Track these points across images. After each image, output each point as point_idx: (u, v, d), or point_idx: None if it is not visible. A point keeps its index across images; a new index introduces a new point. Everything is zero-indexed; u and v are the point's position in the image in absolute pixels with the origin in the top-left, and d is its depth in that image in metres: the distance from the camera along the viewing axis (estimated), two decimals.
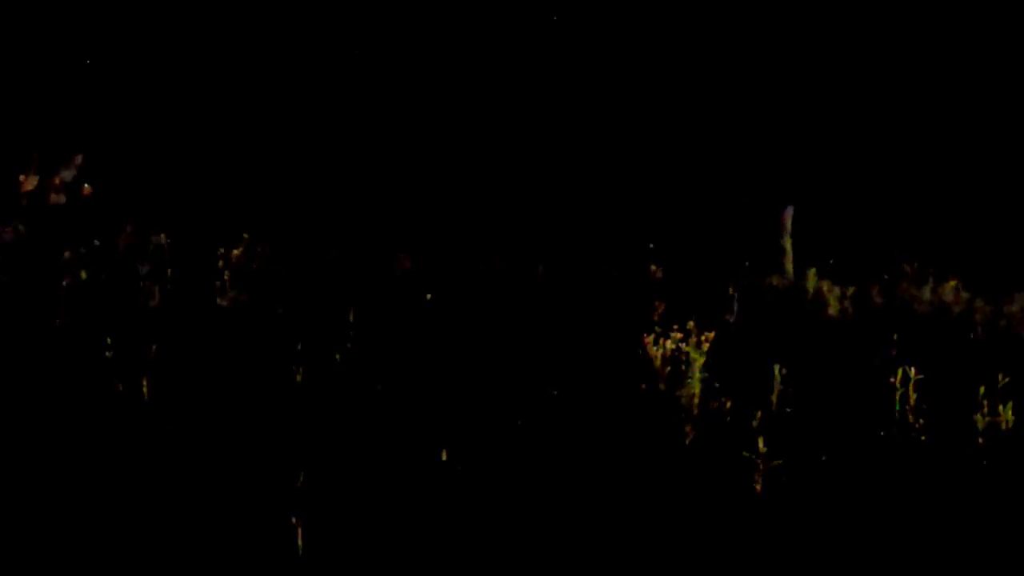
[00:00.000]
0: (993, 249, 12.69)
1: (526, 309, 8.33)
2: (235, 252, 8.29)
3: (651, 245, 11.87)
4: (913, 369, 5.30)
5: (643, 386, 5.70)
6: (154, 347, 5.45)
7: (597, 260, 11.69)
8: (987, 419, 4.83)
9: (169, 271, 8.51)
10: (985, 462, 4.54)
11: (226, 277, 7.99)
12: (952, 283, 10.03)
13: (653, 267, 10.94)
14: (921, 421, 5.08)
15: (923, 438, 4.90)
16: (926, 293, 9.56)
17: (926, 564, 3.45)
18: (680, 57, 13.89)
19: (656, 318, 6.81)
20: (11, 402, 4.93)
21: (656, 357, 5.86)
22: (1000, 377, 5.29)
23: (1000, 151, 13.01)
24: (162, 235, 9.44)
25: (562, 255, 11.90)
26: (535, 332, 7.37)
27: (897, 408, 5.27)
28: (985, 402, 4.86)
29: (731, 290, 8.94)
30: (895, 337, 7.20)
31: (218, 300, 7.78)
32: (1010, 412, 4.95)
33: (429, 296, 9.20)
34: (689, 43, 13.87)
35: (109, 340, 5.40)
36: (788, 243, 12.05)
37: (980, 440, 4.74)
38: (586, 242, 12.86)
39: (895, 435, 5.00)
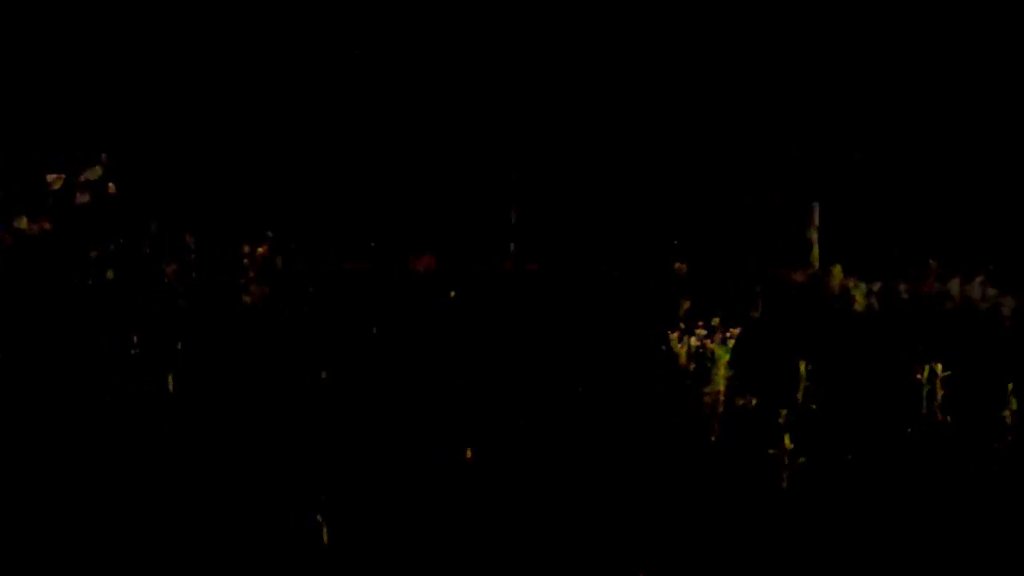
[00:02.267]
0: (1021, 245, 12.59)
1: (551, 306, 8.31)
2: (260, 250, 8.31)
3: (676, 242, 11.83)
4: (940, 365, 5.26)
5: (668, 383, 5.68)
6: (179, 344, 5.48)
7: (622, 258, 11.66)
8: (1016, 415, 4.79)
9: (194, 269, 8.55)
10: (1014, 458, 4.50)
11: (251, 275, 8.01)
12: (979, 279, 9.95)
13: (678, 264, 10.90)
14: (948, 417, 5.04)
15: (950, 434, 4.86)
16: (953, 289, 9.49)
17: (953, 559, 3.42)
18: (709, 56, 13.84)
19: (681, 315, 6.79)
20: (41, 398, 4.96)
21: (681, 354, 5.84)
22: None
23: None
24: (187, 233, 9.48)
25: (587, 253, 11.88)
26: (560, 329, 7.35)
27: (924, 404, 5.23)
28: (1013, 398, 4.82)
29: (756, 286, 8.90)
30: (921, 333, 7.15)
31: (243, 297, 7.81)
32: None
33: (453, 294, 9.20)
34: (720, 41, 13.82)
35: (135, 338, 5.42)
36: (814, 239, 11.99)
37: (1008, 436, 4.70)
38: (611, 240, 12.83)
39: (922, 431, 4.96)
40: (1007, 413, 4.75)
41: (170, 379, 5.07)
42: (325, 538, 3.31)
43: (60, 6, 14.10)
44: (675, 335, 5.95)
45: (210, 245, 9.48)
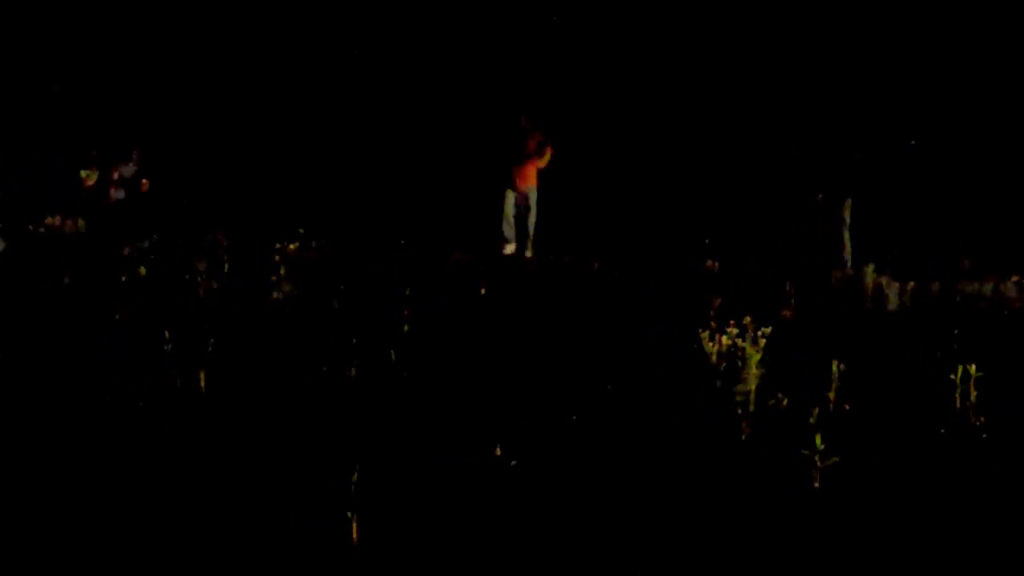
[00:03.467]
0: None
1: (580, 304, 8.30)
2: (291, 247, 8.35)
3: (707, 240, 11.79)
4: (973, 366, 5.22)
5: (699, 382, 5.66)
6: (211, 341, 5.51)
7: (654, 256, 11.64)
8: None
9: (226, 265, 8.59)
10: None
11: (282, 272, 8.05)
12: (1015, 279, 9.86)
13: (709, 262, 10.87)
14: (981, 419, 5.00)
15: (984, 436, 4.82)
16: (987, 289, 9.40)
17: (984, 562, 3.39)
18: (740, 52, 13.79)
19: (712, 313, 6.76)
20: (74, 392, 5.00)
21: (712, 353, 5.82)
22: None
23: None
24: (219, 230, 9.54)
25: (617, 250, 11.86)
26: (590, 326, 7.34)
27: (957, 405, 5.19)
28: None
29: (788, 285, 8.85)
30: (955, 333, 7.09)
31: (274, 294, 7.85)
32: None
33: (483, 291, 9.20)
34: (754, 36, 13.76)
35: (167, 334, 5.46)
36: (846, 237, 11.91)
37: None
38: (643, 238, 12.80)
39: (955, 433, 4.93)
40: None
41: (202, 376, 5.10)
42: (355, 534, 3.32)
43: (97, 4, 14.21)
44: (706, 334, 5.93)
45: (241, 241, 9.54)
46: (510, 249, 12.25)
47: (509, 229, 12.29)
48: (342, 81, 14.70)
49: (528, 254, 12.22)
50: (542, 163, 12.34)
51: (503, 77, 14.04)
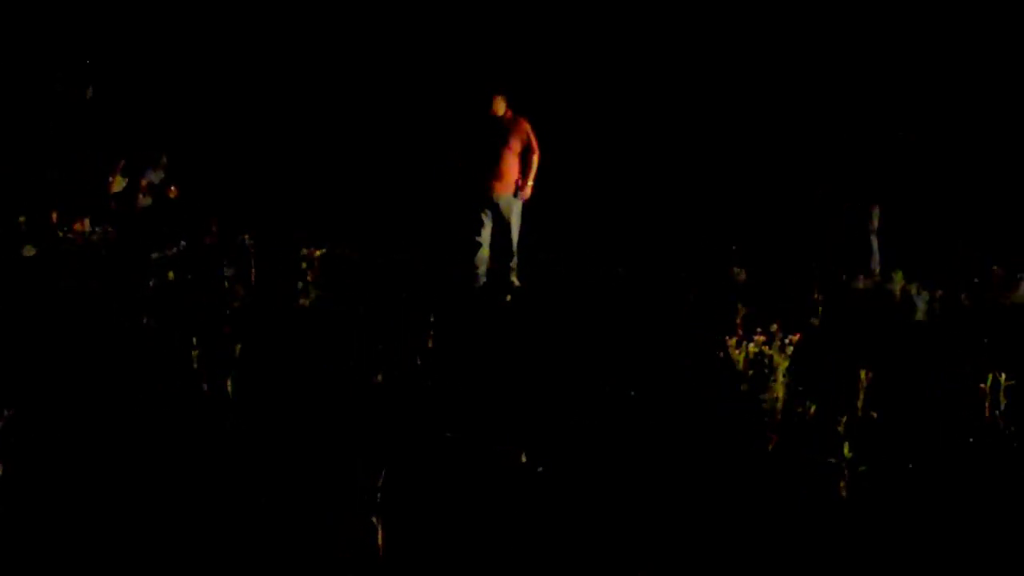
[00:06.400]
0: None
1: (607, 311, 8.29)
2: (317, 253, 8.36)
3: (734, 247, 11.74)
4: (1004, 375, 5.17)
5: (725, 389, 5.64)
6: (238, 347, 5.52)
7: (679, 262, 11.61)
8: None
9: (253, 272, 8.62)
10: None
11: (309, 278, 8.06)
12: None
13: (736, 269, 10.83)
14: (1012, 428, 4.95)
15: (1015, 445, 4.77)
16: (1019, 296, 9.33)
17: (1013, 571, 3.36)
18: (770, 54, 13.74)
19: (739, 320, 6.73)
20: (102, 402, 5.02)
21: (739, 360, 5.79)
22: None
23: None
24: (246, 236, 9.56)
25: (643, 257, 11.83)
26: (615, 334, 7.33)
27: (987, 415, 5.14)
28: None
29: (816, 293, 8.80)
30: (985, 342, 7.03)
31: (301, 300, 7.87)
32: None
33: (508, 297, 9.20)
34: (779, 41, 13.72)
35: (195, 340, 5.48)
36: (875, 244, 11.84)
37: None
38: (668, 244, 12.77)
39: (985, 442, 4.88)
40: None
41: (229, 382, 5.12)
42: (380, 540, 3.31)
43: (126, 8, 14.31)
44: (733, 341, 5.90)
45: (269, 248, 9.56)
46: (481, 281, 9.88)
47: (483, 255, 9.95)
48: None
49: (514, 280, 9.92)
50: (530, 163, 9.84)
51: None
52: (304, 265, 8.23)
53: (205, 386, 5.18)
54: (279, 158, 14.44)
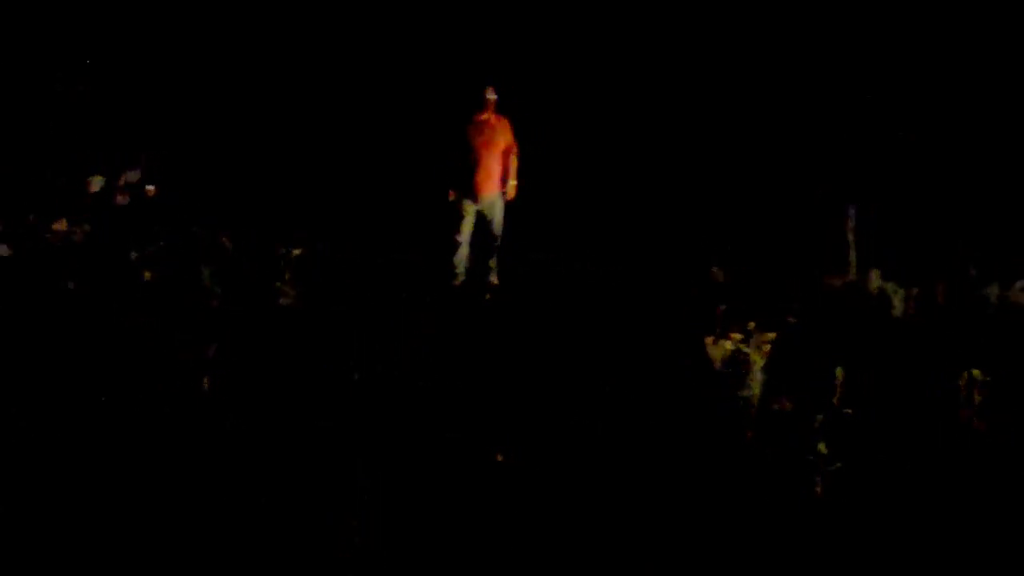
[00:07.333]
0: None
1: (586, 310, 8.31)
2: (295, 252, 8.35)
3: (712, 246, 11.76)
4: (978, 371, 5.21)
5: (703, 386, 5.66)
6: (215, 347, 5.51)
7: (659, 262, 11.64)
8: None
9: (230, 271, 8.60)
10: None
11: (287, 277, 8.05)
12: (1018, 284, 9.83)
13: (715, 268, 10.86)
14: (985, 424, 4.99)
15: (987, 441, 4.81)
16: (992, 294, 9.38)
17: (987, 568, 3.39)
18: (744, 51, 13.78)
19: (717, 319, 6.76)
20: (78, 398, 5.01)
21: (716, 358, 5.81)
22: None
23: None
24: (224, 236, 9.54)
25: (624, 256, 11.85)
26: (595, 330, 7.35)
27: (960, 411, 5.18)
28: None
29: (793, 291, 8.85)
30: (959, 339, 7.08)
31: (279, 300, 7.86)
32: None
33: (488, 296, 9.21)
34: (756, 36, 13.76)
35: (172, 339, 5.47)
36: (851, 242, 11.89)
37: None
38: (646, 243, 12.79)
39: (959, 439, 4.92)
40: None
41: (205, 381, 5.11)
42: (356, 540, 3.32)
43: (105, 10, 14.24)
44: (710, 339, 5.92)
45: (246, 247, 9.54)
46: (460, 280, 9.85)
47: (462, 254, 9.87)
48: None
49: (493, 280, 9.91)
50: (511, 167, 9.86)
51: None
52: (282, 264, 8.22)
53: (182, 384, 5.17)
54: (260, 157, 14.40)
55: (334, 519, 3.45)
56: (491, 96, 9.70)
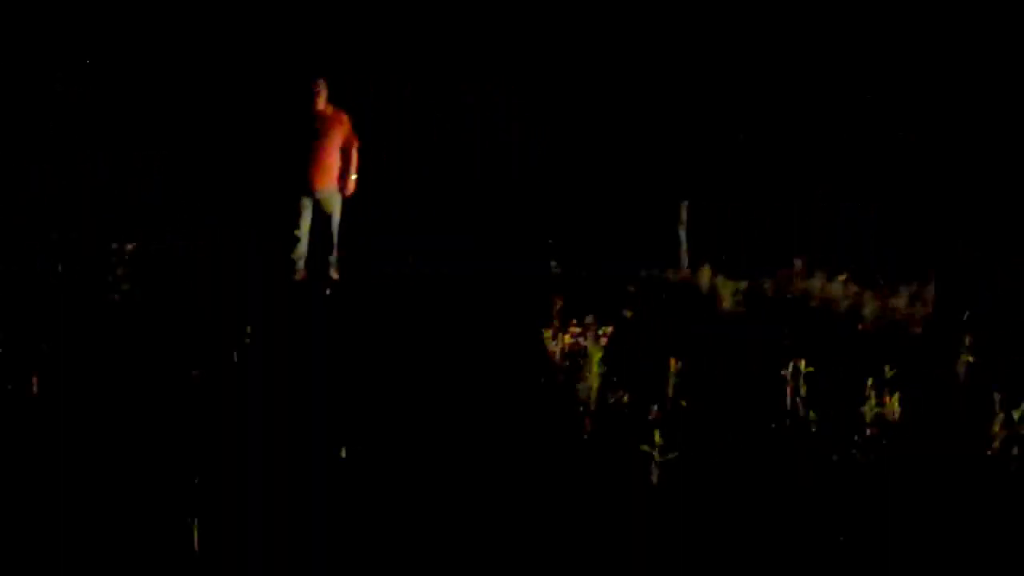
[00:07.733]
0: (883, 244, 13.02)
1: (422, 303, 8.33)
2: (129, 247, 8.15)
3: (550, 241, 11.93)
4: (804, 361, 5.43)
5: (541, 379, 5.74)
6: (44, 345, 5.34)
7: (495, 256, 11.73)
8: (875, 410, 4.98)
9: (62, 267, 8.34)
10: (873, 451, 4.68)
11: (119, 272, 7.85)
12: (842, 277, 10.29)
13: (552, 263, 11.02)
14: (812, 413, 5.21)
15: (813, 429, 5.02)
16: (816, 287, 9.78)
17: (817, 553, 3.54)
18: (580, 48, 13.96)
19: (555, 313, 6.87)
20: None
21: (555, 351, 5.91)
22: (887, 369, 5.45)
23: (893, 148, 13.34)
24: (52, 231, 9.24)
25: (458, 250, 11.91)
26: (432, 325, 7.37)
27: (788, 400, 5.39)
28: (873, 393, 5.01)
29: (629, 286, 9.04)
30: (786, 330, 7.36)
31: (112, 296, 7.65)
32: (897, 403, 5.11)
33: (329, 291, 9.14)
34: (593, 34, 13.95)
35: None
36: (683, 237, 12.23)
37: (868, 430, 4.88)
38: (483, 237, 12.88)
39: (787, 426, 5.12)
40: (866, 408, 4.93)
41: (35, 380, 4.95)
42: (196, 541, 3.27)
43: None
44: (549, 332, 6.02)
45: (78, 243, 9.26)
46: (301, 275, 9.73)
47: (301, 249, 9.75)
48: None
49: (334, 275, 9.89)
50: (350, 158, 9.74)
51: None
52: (114, 259, 8.01)
53: (9, 384, 5.00)
54: (89, 153, 13.95)
55: (171, 518, 3.39)
56: (321, 88, 9.54)
